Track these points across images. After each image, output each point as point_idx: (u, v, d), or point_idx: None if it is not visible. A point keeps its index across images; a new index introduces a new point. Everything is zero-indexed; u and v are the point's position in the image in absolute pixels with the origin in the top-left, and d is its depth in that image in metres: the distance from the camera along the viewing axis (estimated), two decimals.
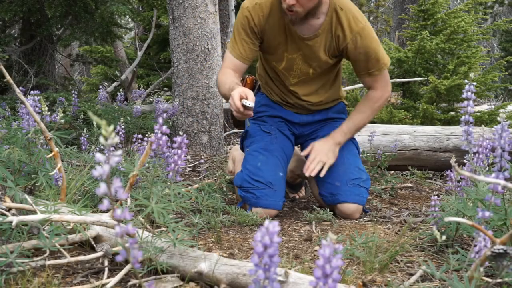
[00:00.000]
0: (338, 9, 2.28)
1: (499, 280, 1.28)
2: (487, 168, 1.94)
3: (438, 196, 1.88)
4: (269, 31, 2.34)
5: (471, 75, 1.79)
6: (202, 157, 3.59)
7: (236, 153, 2.73)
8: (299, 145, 2.69)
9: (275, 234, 0.87)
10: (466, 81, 1.79)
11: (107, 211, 1.73)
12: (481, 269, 1.24)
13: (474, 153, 1.92)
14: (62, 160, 2.01)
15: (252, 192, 2.26)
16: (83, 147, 2.72)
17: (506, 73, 8.33)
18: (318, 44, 2.33)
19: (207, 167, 3.36)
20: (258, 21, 2.31)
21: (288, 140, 2.54)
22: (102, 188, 0.82)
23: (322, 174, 2.32)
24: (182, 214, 2.13)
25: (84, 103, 4.23)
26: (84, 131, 2.77)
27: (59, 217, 1.52)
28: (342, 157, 2.42)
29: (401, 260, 1.71)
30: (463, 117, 1.80)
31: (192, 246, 1.54)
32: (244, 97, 2.09)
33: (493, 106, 6.36)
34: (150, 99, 6.75)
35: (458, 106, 4.88)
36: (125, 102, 4.96)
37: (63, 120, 2.20)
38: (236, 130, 4.88)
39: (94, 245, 1.64)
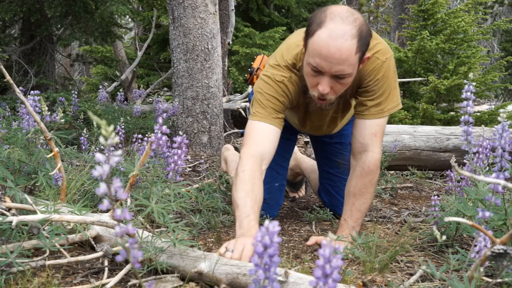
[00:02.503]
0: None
1: (499, 280, 1.28)
2: (487, 168, 1.94)
3: (438, 196, 1.88)
4: (293, 103, 2.03)
5: (471, 75, 1.79)
6: (202, 157, 3.59)
7: (227, 153, 2.72)
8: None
9: (275, 234, 0.87)
10: (465, 81, 1.79)
11: (107, 211, 1.73)
12: (481, 269, 1.24)
13: (474, 153, 1.92)
14: (62, 160, 2.01)
15: None
16: (83, 147, 2.72)
17: (506, 73, 8.33)
18: (338, 101, 2.01)
19: (207, 167, 3.36)
20: (294, 93, 1.96)
21: (289, 141, 2.42)
22: (102, 188, 0.82)
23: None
24: (182, 214, 2.13)
25: (84, 103, 4.23)
26: (84, 131, 2.76)
27: (59, 217, 1.52)
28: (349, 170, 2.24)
29: (401, 260, 1.71)
30: (462, 117, 1.80)
31: (192, 246, 1.54)
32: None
33: (493, 106, 6.36)
34: (150, 99, 6.75)
35: (458, 106, 4.88)
36: (125, 102, 4.96)
37: (63, 120, 2.20)
38: (236, 130, 4.88)
39: (94, 245, 1.64)
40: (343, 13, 1.69)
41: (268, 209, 2.24)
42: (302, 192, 2.92)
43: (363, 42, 1.71)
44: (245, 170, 1.78)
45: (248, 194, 1.73)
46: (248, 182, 1.76)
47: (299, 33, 1.95)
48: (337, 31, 1.66)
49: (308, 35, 1.75)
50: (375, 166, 1.90)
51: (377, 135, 1.91)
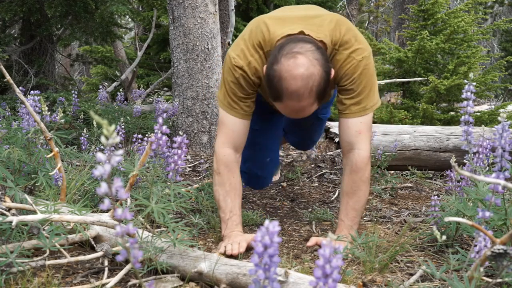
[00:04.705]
0: (335, 52, 1.88)
1: (499, 280, 1.28)
2: (487, 168, 1.94)
3: (438, 196, 1.88)
4: (263, 90, 2.01)
5: (471, 75, 1.79)
6: (202, 157, 3.59)
7: None
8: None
9: (275, 234, 0.87)
10: (465, 81, 1.79)
11: (107, 211, 1.73)
12: (481, 269, 1.24)
13: (474, 153, 1.92)
14: (62, 160, 2.01)
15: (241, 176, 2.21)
16: (83, 147, 2.72)
17: (506, 73, 8.33)
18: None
19: (207, 167, 3.35)
20: (255, 79, 1.92)
21: (276, 123, 2.45)
22: (103, 187, 0.82)
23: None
24: (182, 214, 2.13)
25: (84, 103, 4.23)
26: (84, 131, 2.76)
27: (59, 217, 1.52)
28: (309, 131, 2.65)
29: (401, 260, 1.71)
30: (462, 117, 1.81)
31: (192, 246, 1.54)
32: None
33: (493, 106, 6.37)
34: (150, 99, 6.75)
35: (458, 106, 4.88)
36: (125, 102, 4.96)
37: (63, 120, 2.20)
38: None
39: (94, 245, 1.64)
40: (298, 89, 1.68)
41: (260, 182, 2.43)
42: (277, 177, 3.01)
43: (323, 94, 1.75)
44: (221, 172, 1.93)
45: (228, 193, 1.91)
46: (226, 182, 1.93)
47: (265, 19, 1.92)
48: (296, 107, 1.75)
49: (269, 95, 1.79)
50: (363, 163, 1.91)
51: (362, 133, 1.91)
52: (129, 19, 7.88)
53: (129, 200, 1.91)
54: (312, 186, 3.05)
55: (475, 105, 8.23)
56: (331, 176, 3.25)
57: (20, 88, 2.36)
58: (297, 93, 1.69)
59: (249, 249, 1.79)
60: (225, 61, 1.98)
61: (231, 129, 1.96)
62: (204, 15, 3.69)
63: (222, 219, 1.90)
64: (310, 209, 2.45)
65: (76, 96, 3.98)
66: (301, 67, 1.68)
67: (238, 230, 1.87)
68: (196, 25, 3.68)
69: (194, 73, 3.74)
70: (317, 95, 1.73)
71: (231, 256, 1.68)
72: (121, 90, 6.13)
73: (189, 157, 3.57)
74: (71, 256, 1.56)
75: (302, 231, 2.15)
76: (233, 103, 1.95)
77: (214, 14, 3.75)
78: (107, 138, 0.82)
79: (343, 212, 1.93)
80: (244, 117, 1.97)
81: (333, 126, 3.54)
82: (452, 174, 2.09)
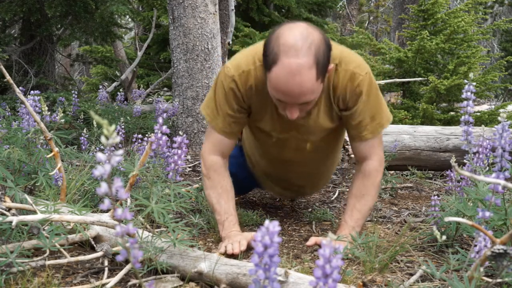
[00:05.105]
0: (336, 67, 1.80)
1: (499, 280, 1.28)
2: (487, 168, 1.94)
3: (438, 196, 1.88)
4: (256, 104, 1.90)
5: (471, 75, 1.79)
6: None
7: None
8: None
9: (275, 234, 0.87)
10: (465, 81, 1.79)
11: (107, 211, 1.73)
12: (481, 269, 1.24)
13: (474, 153, 1.93)
14: (62, 160, 2.01)
15: None
16: (83, 147, 2.72)
17: (506, 73, 8.33)
18: (316, 114, 1.90)
19: None
20: (245, 92, 1.86)
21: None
22: (103, 187, 0.82)
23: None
24: (182, 214, 2.13)
25: (84, 103, 4.23)
26: (84, 131, 2.76)
27: (59, 217, 1.52)
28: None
29: (401, 260, 1.71)
30: (462, 117, 1.81)
31: (192, 246, 1.54)
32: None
33: (493, 106, 6.37)
34: (150, 99, 6.75)
35: (458, 106, 4.88)
36: (125, 102, 4.96)
37: (63, 120, 2.20)
38: None
39: (94, 245, 1.65)
40: (296, 42, 1.60)
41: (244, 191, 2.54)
42: None
43: (323, 64, 1.65)
44: (211, 177, 1.92)
45: (221, 195, 1.90)
46: (217, 185, 1.91)
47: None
48: (293, 67, 1.60)
49: (265, 67, 1.68)
50: (376, 169, 1.92)
51: (374, 146, 1.91)
52: (129, 19, 7.88)
53: (129, 200, 1.91)
54: None
55: (475, 105, 8.23)
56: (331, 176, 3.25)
57: (20, 88, 2.36)
58: (295, 47, 1.60)
59: (249, 248, 1.79)
60: (219, 72, 1.94)
61: (217, 140, 1.94)
62: (204, 15, 3.69)
63: (218, 221, 1.89)
64: (310, 209, 2.45)
65: (76, 96, 3.98)
66: (301, 27, 1.66)
67: (236, 230, 1.86)
68: (196, 25, 3.69)
69: (194, 73, 3.74)
70: (315, 59, 1.61)
71: (231, 256, 1.68)
72: (121, 90, 6.12)
73: (189, 157, 3.57)
74: (71, 256, 1.56)
75: (302, 231, 2.15)
76: (216, 115, 1.90)
77: (214, 14, 3.75)
78: (107, 138, 0.82)
79: (347, 213, 1.92)
80: (223, 133, 1.92)
81: None
82: (452, 174, 2.10)
